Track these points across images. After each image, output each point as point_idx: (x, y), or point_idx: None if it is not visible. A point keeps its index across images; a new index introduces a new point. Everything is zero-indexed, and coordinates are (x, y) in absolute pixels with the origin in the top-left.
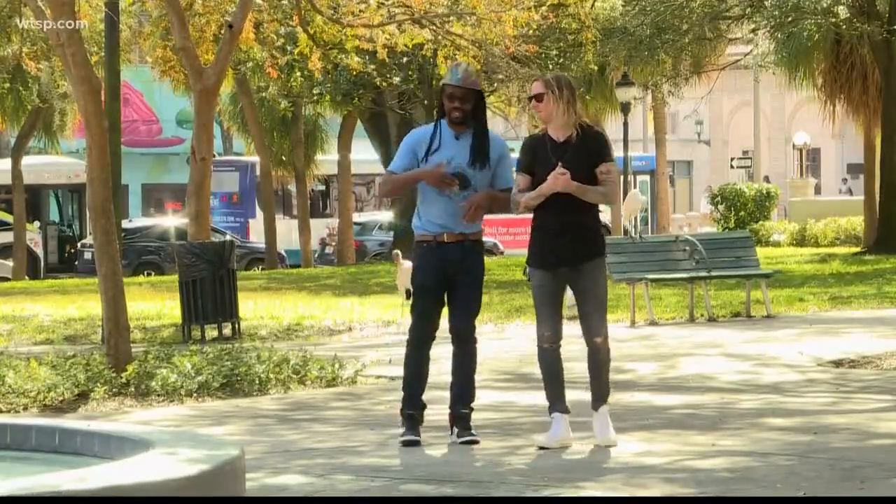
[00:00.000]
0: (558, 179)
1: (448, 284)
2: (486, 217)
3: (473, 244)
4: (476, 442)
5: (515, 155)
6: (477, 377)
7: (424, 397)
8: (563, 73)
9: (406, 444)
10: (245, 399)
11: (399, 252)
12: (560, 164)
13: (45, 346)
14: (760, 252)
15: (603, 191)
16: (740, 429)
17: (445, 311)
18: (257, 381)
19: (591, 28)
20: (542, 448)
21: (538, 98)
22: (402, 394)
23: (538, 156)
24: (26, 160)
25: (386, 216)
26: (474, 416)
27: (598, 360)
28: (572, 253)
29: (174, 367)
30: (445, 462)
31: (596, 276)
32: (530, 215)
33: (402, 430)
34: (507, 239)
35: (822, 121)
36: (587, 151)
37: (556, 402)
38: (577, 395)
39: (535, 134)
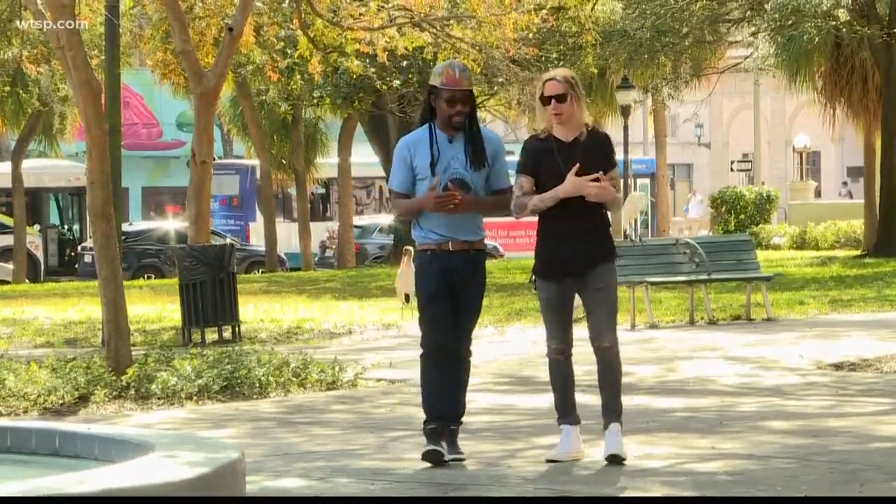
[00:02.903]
0: (582, 188)
1: (453, 292)
2: (485, 220)
3: (478, 254)
4: (462, 459)
5: (513, 156)
6: (477, 380)
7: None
8: (567, 69)
9: (427, 454)
10: (245, 402)
11: (412, 250)
12: (568, 165)
13: (46, 350)
14: (760, 255)
15: (616, 197)
16: (740, 432)
17: None
18: (257, 385)
19: (591, 31)
20: (551, 461)
21: (560, 98)
22: (400, 398)
23: (543, 158)
24: (26, 163)
25: (386, 219)
26: (474, 419)
27: (607, 368)
28: (580, 261)
29: (174, 370)
30: (445, 465)
31: (605, 279)
32: (532, 219)
33: (424, 445)
34: (508, 242)
35: (823, 124)
36: (597, 154)
37: (566, 413)
38: (581, 398)
39: (536, 134)
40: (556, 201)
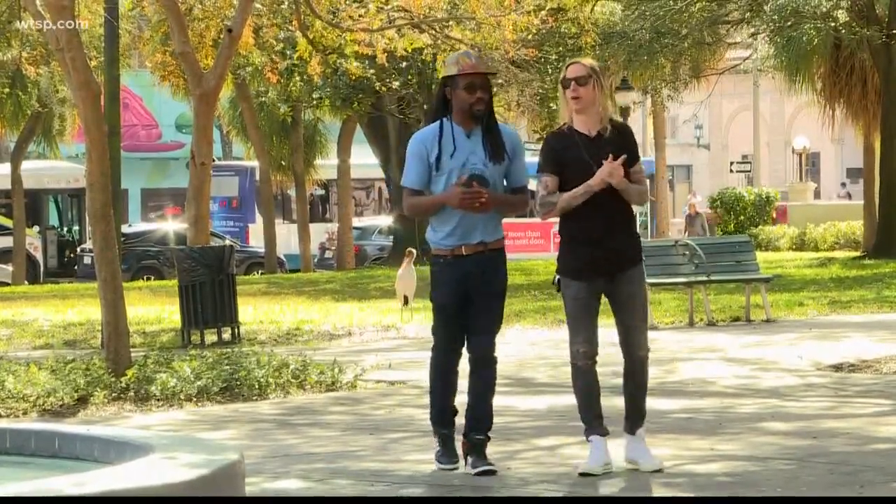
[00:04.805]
0: (614, 173)
1: (468, 300)
2: None
3: (494, 254)
4: (493, 472)
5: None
6: None
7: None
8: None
9: (444, 469)
10: (244, 404)
11: (414, 252)
12: (595, 160)
13: (45, 351)
14: (760, 256)
15: (642, 190)
16: (739, 433)
17: None
18: (257, 386)
19: (591, 32)
20: (584, 475)
21: (580, 81)
22: (400, 399)
23: (567, 153)
24: (26, 165)
25: (385, 221)
26: None
27: (639, 378)
28: (611, 263)
29: (174, 371)
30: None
31: (637, 283)
32: (533, 220)
33: (438, 451)
34: (508, 244)
35: (822, 125)
36: (625, 148)
37: (594, 423)
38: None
39: (558, 130)
40: (590, 195)
